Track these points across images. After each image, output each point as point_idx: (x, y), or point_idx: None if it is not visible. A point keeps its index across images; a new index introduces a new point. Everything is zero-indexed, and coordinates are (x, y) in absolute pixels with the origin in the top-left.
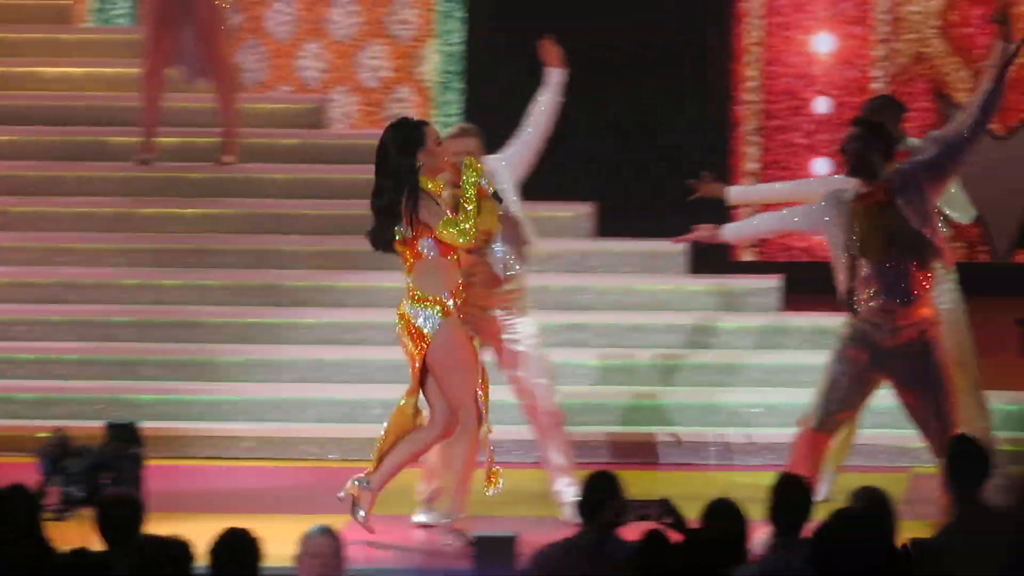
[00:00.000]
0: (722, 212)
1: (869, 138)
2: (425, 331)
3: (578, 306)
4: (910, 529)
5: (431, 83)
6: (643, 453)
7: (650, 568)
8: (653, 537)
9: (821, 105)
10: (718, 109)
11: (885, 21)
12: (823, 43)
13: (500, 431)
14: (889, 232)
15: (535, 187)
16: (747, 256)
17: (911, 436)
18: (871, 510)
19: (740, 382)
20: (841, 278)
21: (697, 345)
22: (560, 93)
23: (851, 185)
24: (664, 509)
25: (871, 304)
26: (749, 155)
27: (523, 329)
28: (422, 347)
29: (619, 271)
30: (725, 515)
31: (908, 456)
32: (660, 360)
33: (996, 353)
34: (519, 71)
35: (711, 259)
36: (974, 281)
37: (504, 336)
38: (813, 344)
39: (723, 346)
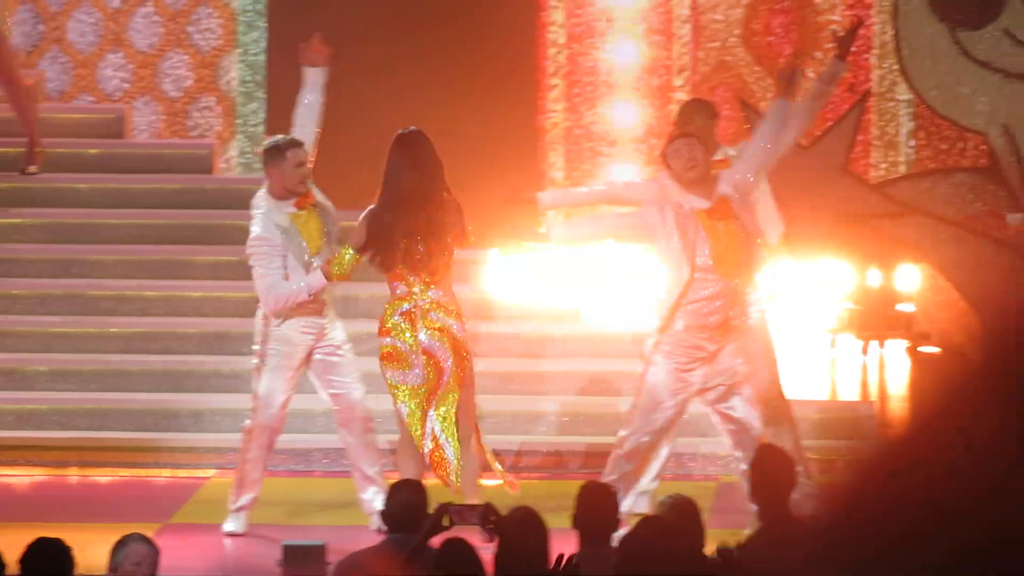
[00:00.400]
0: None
1: (700, 147)
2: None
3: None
4: (718, 538)
5: (233, 93)
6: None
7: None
8: (450, 543)
9: (624, 113)
10: (523, 118)
11: (687, 29)
12: (626, 51)
13: (309, 440)
14: (737, 248)
15: (339, 196)
16: None
17: (720, 444)
18: (678, 519)
19: (545, 391)
20: (671, 288)
21: (506, 353)
22: (321, 92)
23: (672, 192)
24: (485, 514)
25: (712, 319)
26: (555, 164)
27: (335, 336)
28: (468, 360)
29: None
30: (526, 524)
31: (717, 465)
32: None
33: (805, 360)
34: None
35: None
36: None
37: (318, 344)
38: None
39: (528, 354)
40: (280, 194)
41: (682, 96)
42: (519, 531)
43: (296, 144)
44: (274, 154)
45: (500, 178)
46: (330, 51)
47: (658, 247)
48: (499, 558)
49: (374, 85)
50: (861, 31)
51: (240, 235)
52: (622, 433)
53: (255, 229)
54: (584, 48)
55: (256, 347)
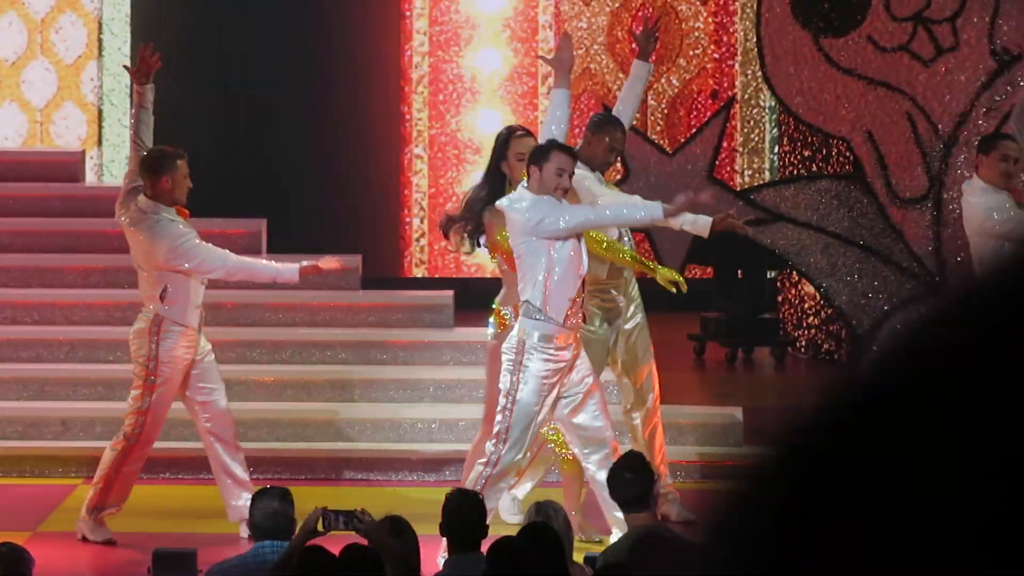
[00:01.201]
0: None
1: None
2: None
3: (251, 322)
4: (586, 545)
5: (95, 101)
6: (318, 469)
7: None
8: (310, 550)
9: (489, 120)
10: (388, 125)
11: (551, 37)
12: (490, 59)
13: (177, 447)
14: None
15: (207, 202)
16: (419, 272)
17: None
18: (546, 525)
19: (414, 397)
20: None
21: (371, 360)
22: (150, 109)
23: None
24: (359, 518)
25: (575, 324)
26: (419, 172)
27: (204, 346)
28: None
29: (293, 287)
30: (394, 530)
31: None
32: (335, 376)
33: (671, 368)
34: (186, 88)
35: (383, 275)
36: (648, 297)
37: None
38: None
39: (397, 361)
40: (166, 202)
41: (545, 104)
42: (388, 537)
43: (184, 155)
44: (166, 162)
45: (365, 183)
46: (156, 65)
47: (547, 254)
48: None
49: (238, 88)
50: (724, 37)
51: (109, 242)
52: (492, 449)
53: (173, 229)
54: (448, 56)
55: (140, 363)
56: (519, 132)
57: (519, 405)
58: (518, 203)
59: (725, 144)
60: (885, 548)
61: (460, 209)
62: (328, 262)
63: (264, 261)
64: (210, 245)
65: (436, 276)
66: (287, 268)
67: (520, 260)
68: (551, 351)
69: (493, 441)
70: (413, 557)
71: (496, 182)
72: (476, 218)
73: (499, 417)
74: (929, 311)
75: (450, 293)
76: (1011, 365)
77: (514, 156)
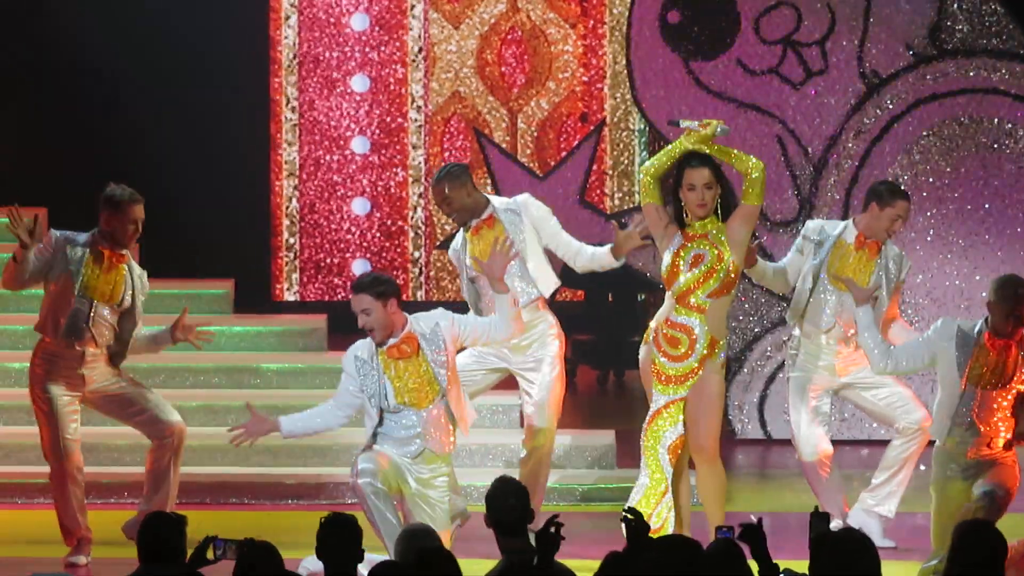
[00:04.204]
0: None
1: None
2: None
3: None
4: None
5: None
6: (192, 493)
7: None
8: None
9: (359, 145)
10: (257, 151)
11: (421, 60)
12: (358, 83)
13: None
14: None
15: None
16: (290, 296)
17: None
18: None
19: None
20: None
21: (244, 385)
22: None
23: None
24: (241, 548)
25: None
26: (287, 194)
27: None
28: None
29: (163, 311)
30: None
31: None
32: (208, 401)
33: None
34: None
35: (256, 299)
36: None
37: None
38: None
39: (270, 386)
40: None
41: (415, 127)
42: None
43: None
44: (120, 205)
45: (236, 206)
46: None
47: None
48: None
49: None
50: (593, 60)
51: None
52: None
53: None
54: (318, 81)
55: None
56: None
57: None
58: None
59: (595, 167)
60: None
61: None
62: None
63: None
64: None
65: (308, 300)
66: None
67: None
68: None
69: None
70: None
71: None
72: None
73: None
74: None
75: (323, 317)
76: None
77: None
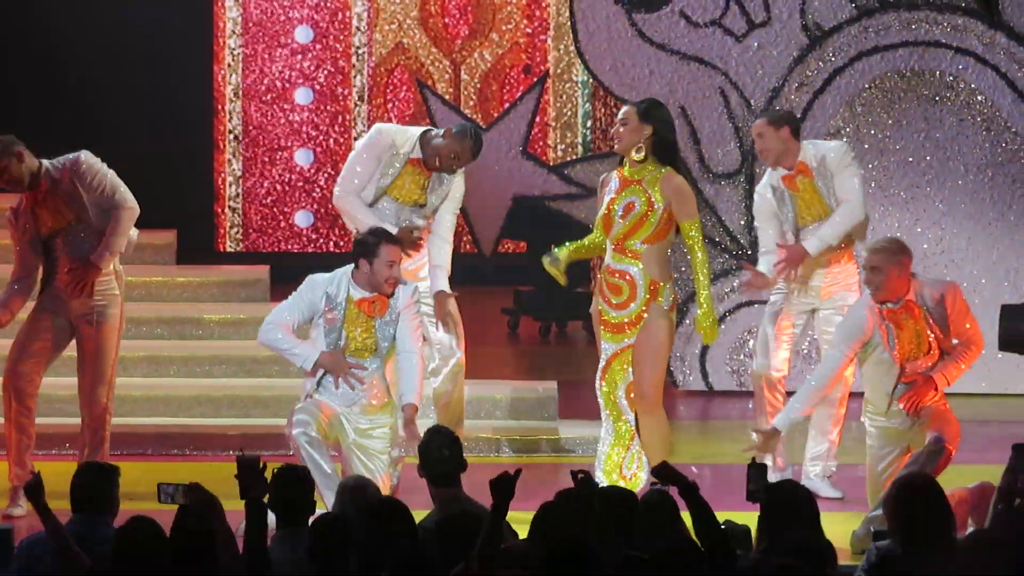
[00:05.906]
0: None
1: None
2: None
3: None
4: None
5: None
6: (135, 444)
7: (126, 553)
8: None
9: (302, 96)
10: (201, 101)
11: (364, 11)
12: (301, 35)
13: None
14: None
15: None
16: (233, 247)
17: None
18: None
19: (229, 372)
20: None
21: (186, 336)
22: None
23: None
24: (190, 493)
25: None
26: (231, 146)
27: None
28: None
29: None
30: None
31: None
32: (150, 352)
33: (485, 343)
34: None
35: (199, 250)
36: (461, 271)
37: None
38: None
39: (212, 337)
40: None
41: (359, 82)
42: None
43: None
44: None
45: (179, 157)
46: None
47: None
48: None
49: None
50: (537, 12)
51: None
52: None
53: None
54: (259, 33)
55: None
56: None
57: None
58: None
59: (538, 119)
60: None
61: None
62: None
63: None
64: None
65: (251, 251)
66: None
67: None
68: None
69: None
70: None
71: None
72: None
73: None
74: None
75: (265, 268)
76: None
77: None
